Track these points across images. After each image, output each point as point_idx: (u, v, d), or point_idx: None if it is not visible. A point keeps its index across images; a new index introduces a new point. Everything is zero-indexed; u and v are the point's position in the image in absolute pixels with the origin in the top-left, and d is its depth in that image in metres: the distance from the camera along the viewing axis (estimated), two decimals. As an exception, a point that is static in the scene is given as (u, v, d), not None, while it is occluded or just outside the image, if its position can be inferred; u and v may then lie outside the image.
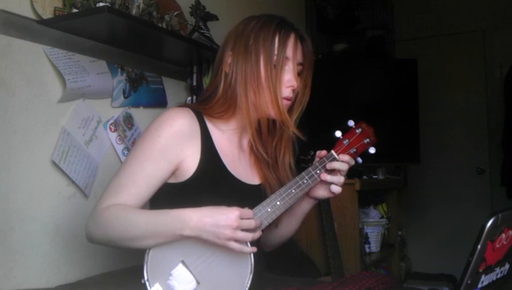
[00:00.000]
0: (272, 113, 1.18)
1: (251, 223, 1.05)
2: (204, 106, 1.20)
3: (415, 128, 3.05)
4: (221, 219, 1.02)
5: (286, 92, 1.18)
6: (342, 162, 1.18)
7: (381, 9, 3.49)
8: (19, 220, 1.39)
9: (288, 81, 1.17)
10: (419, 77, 3.09)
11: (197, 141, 1.15)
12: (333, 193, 1.21)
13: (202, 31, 1.95)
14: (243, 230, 1.03)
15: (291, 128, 1.19)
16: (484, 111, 3.84)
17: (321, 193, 1.24)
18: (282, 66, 1.16)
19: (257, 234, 1.07)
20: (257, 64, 1.15)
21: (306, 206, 1.29)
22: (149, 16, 1.65)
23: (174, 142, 1.11)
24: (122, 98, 1.75)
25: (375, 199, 3.12)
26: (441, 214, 3.86)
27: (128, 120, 1.78)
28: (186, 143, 1.13)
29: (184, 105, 1.25)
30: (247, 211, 1.06)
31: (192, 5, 1.98)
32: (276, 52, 1.15)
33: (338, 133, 1.21)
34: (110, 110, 1.72)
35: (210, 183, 1.15)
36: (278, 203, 1.14)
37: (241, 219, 1.03)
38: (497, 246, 0.83)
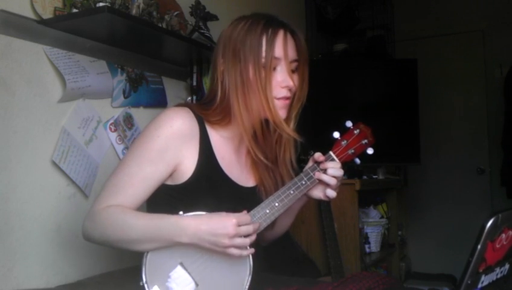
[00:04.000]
0: (263, 114, 1.16)
1: (249, 229, 1.05)
2: (204, 110, 1.19)
3: (415, 128, 3.05)
4: (219, 228, 1.01)
5: (282, 92, 1.15)
6: (334, 168, 1.16)
7: (381, 9, 3.49)
8: (19, 220, 1.39)
9: (283, 81, 1.15)
10: (419, 77, 3.09)
11: (195, 142, 1.14)
12: (328, 196, 1.20)
13: (202, 31, 1.95)
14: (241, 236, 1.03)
15: (285, 130, 1.17)
16: (484, 111, 3.84)
17: (316, 193, 1.23)
18: (272, 67, 1.13)
19: (253, 237, 1.07)
20: (246, 69, 1.13)
21: (299, 203, 1.29)
22: (149, 16, 1.65)
23: (173, 143, 1.11)
24: (122, 98, 1.75)
25: (375, 199, 3.12)
26: (441, 214, 3.86)
27: (128, 120, 1.78)
28: (185, 144, 1.12)
29: (184, 104, 1.24)
30: (244, 217, 1.05)
31: (192, 5, 1.98)
32: (264, 54, 1.12)
33: (336, 134, 1.20)
34: (110, 110, 1.72)
35: (207, 187, 1.14)
36: (277, 204, 1.14)
37: (239, 225, 1.03)
38: (497, 246, 0.83)
